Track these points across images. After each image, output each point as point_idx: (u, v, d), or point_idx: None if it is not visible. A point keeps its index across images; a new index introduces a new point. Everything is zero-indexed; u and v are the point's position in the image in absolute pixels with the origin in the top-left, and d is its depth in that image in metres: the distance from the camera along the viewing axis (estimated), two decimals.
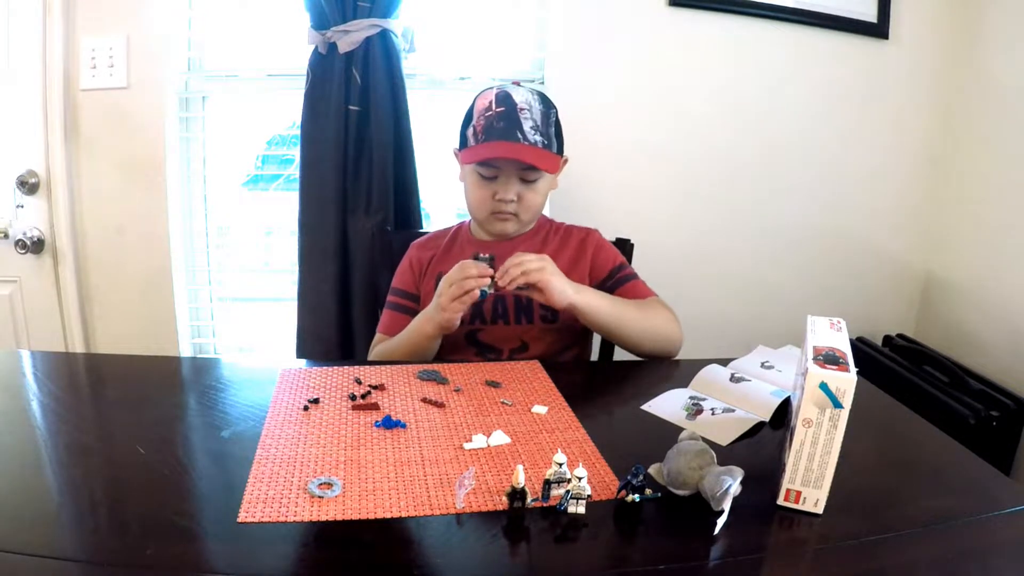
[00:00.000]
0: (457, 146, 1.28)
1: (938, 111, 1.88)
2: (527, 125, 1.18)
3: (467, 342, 1.24)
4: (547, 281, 1.06)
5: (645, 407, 0.96)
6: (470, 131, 1.21)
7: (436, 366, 1.06)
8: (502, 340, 1.24)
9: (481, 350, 1.24)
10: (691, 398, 0.99)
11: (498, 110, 1.18)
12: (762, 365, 1.07)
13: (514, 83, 1.25)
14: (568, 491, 0.69)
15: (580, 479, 0.69)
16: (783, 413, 0.94)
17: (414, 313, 1.25)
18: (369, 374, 1.03)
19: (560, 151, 1.25)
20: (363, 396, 0.95)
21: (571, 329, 1.25)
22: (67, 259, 1.73)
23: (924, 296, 1.98)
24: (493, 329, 1.24)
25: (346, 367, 1.06)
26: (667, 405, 0.97)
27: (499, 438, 0.84)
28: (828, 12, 1.76)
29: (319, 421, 0.88)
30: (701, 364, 1.07)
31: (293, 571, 0.63)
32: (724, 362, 1.10)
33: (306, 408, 0.91)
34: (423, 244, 1.35)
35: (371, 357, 1.26)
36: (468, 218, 1.36)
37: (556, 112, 1.25)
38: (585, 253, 1.29)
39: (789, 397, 0.95)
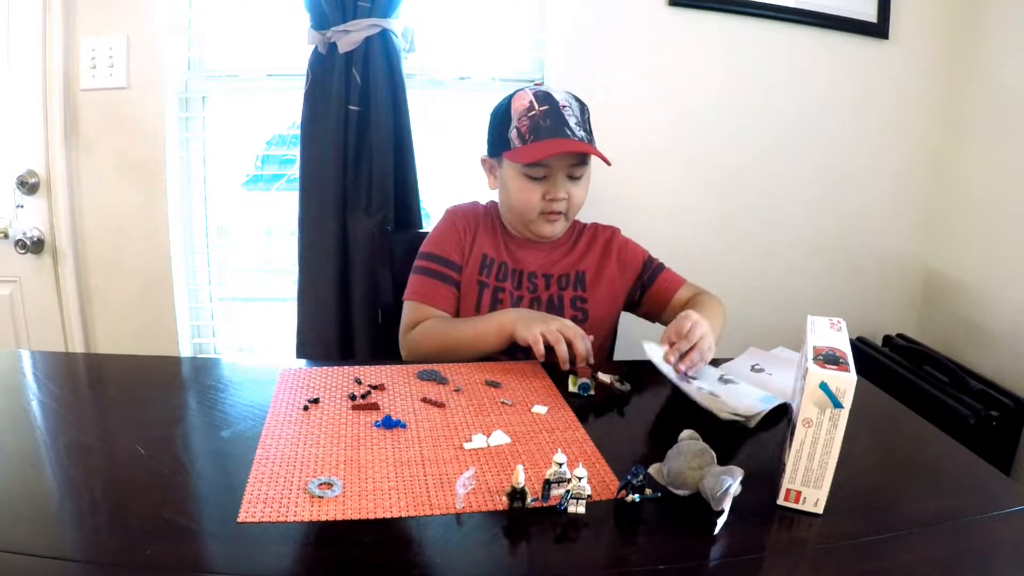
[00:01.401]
0: (487, 152, 1.27)
1: (938, 111, 1.88)
2: (572, 121, 1.18)
3: None
4: (709, 346, 1.03)
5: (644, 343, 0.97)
6: (513, 133, 1.19)
7: (436, 366, 1.06)
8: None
9: (512, 353, 1.20)
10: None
11: (542, 108, 1.17)
12: (752, 368, 1.07)
13: (536, 84, 1.25)
14: (568, 491, 0.69)
15: (580, 479, 0.69)
16: (774, 418, 0.93)
17: (454, 283, 1.26)
18: (369, 374, 1.03)
19: None
20: (363, 396, 0.95)
21: (599, 328, 1.25)
22: (67, 259, 1.73)
23: (924, 296, 1.98)
24: None
25: (346, 367, 1.06)
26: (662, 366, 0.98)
27: (499, 438, 0.84)
28: (828, 12, 1.76)
29: (319, 421, 0.88)
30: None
31: (293, 571, 0.63)
32: (717, 363, 1.10)
33: (306, 408, 0.91)
34: (466, 214, 1.32)
35: (414, 335, 1.21)
36: (486, 202, 1.36)
37: (587, 108, 1.26)
38: (611, 252, 1.32)
39: (782, 405, 0.95)
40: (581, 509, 0.69)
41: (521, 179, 1.21)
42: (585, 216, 1.74)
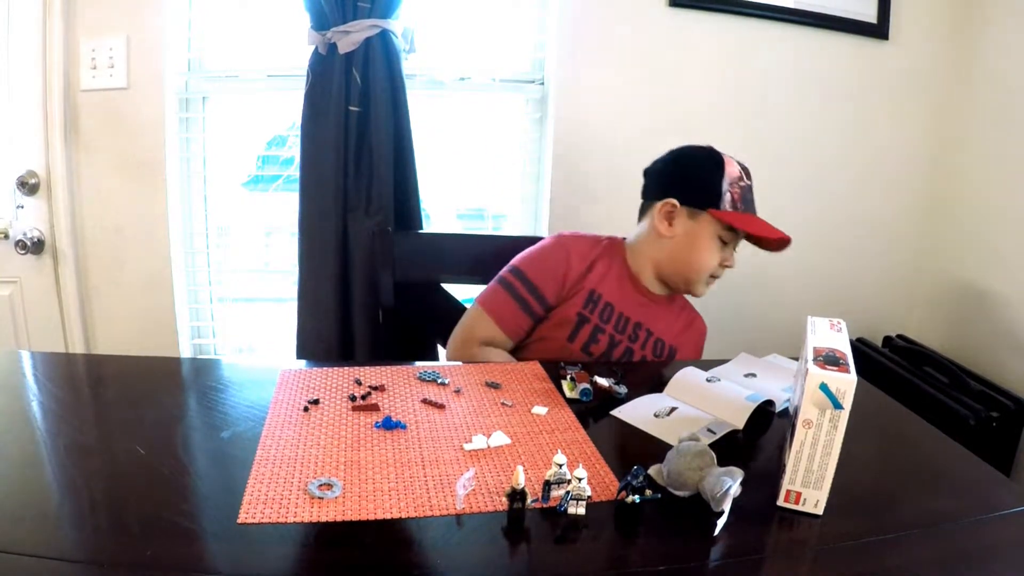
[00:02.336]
0: (679, 199, 1.22)
1: (938, 111, 1.88)
2: (757, 203, 1.25)
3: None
4: None
5: (615, 412, 0.95)
6: (727, 197, 1.20)
7: (436, 367, 1.06)
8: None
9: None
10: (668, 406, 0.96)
11: (747, 183, 1.23)
12: (744, 376, 1.06)
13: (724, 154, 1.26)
14: (568, 492, 0.69)
15: (580, 480, 0.69)
16: (760, 421, 0.93)
17: (532, 315, 1.23)
18: (369, 375, 1.03)
19: None
20: (363, 397, 0.95)
21: None
22: (67, 259, 1.73)
23: (924, 297, 1.98)
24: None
25: (346, 368, 1.05)
26: (638, 411, 0.95)
27: (499, 439, 0.84)
28: (828, 12, 1.77)
29: (319, 422, 0.88)
30: (697, 365, 1.07)
31: (293, 572, 0.63)
32: (713, 364, 1.10)
33: (306, 409, 0.91)
34: (583, 252, 1.27)
35: (480, 356, 1.20)
36: (616, 236, 1.33)
37: None
38: (693, 341, 1.34)
39: (765, 401, 0.94)
40: (581, 510, 0.69)
41: (713, 240, 1.22)
42: (585, 216, 1.74)
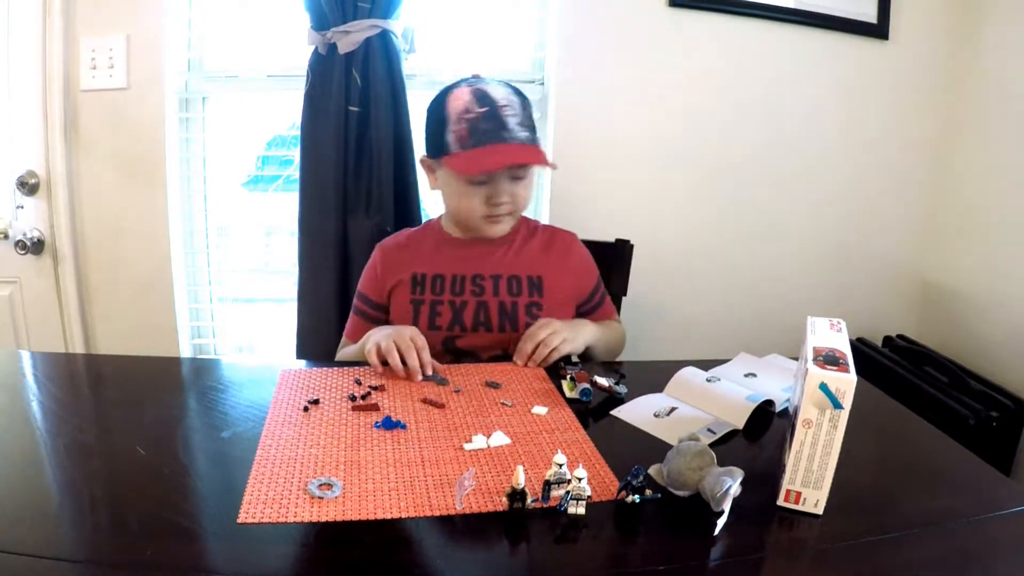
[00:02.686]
0: (426, 153, 1.23)
1: (938, 111, 1.88)
2: (513, 122, 1.14)
3: (444, 349, 1.19)
4: (571, 343, 1.09)
5: (615, 412, 0.95)
6: (451, 137, 1.14)
7: (437, 367, 1.06)
8: (483, 348, 1.20)
9: (458, 357, 1.19)
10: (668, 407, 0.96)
11: (481, 111, 1.12)
12: (744, 376, 1.06)
13: (474, 76, 1.21)
14: (568, 492, 0.69)
15: (580, 480, 0.69)
16: (760, 420, 0.93)
17: (376, 321, 1.26)
18: (369, 375, 1.03)
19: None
20: (363, 397, 0.95)
21: None
22: (67, 259, 1.73)
23: (924, 296, 1.98)
24: (474, 336, 1.20)
25: (346, 368, 1.06)
26: (638, 411, 0.95)
27: (499, 439, 0.84)
28: (828, 12, 1.76)
29: (319, 422, 0.88)
30: (697, 365, 1.07)
31: (293, 572, 0.63)
32: (713, 364, 1.10)
33: (306, 409, 0.91)
34: (392, 248, 1.30)
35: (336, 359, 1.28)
36: (435, 216, 1.35)
37: (529, 101, 1.22)
38: (570, 260, 1.29)
39: (765, 401, 0.94)
40: (581, 510, 0.69)
41: (461, 185, 1.17)
42: (584, 216, 1.74)
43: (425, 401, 0.95)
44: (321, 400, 0.94)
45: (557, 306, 1.23)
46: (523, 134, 1.15)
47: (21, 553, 0.61)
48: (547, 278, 1.23)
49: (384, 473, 0.77)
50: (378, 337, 1.06)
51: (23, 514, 0.68)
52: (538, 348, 1.08)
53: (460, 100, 1.15)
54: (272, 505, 0.70)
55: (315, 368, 1.06)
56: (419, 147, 1.66)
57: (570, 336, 1.10)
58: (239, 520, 0.67)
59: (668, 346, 1.88)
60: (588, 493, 0.69)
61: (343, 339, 1.32)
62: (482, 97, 1.14)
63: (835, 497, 0.71)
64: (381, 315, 1.28)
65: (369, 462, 0.79)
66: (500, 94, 1.16)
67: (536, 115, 1.83)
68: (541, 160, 1.16)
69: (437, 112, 1.19)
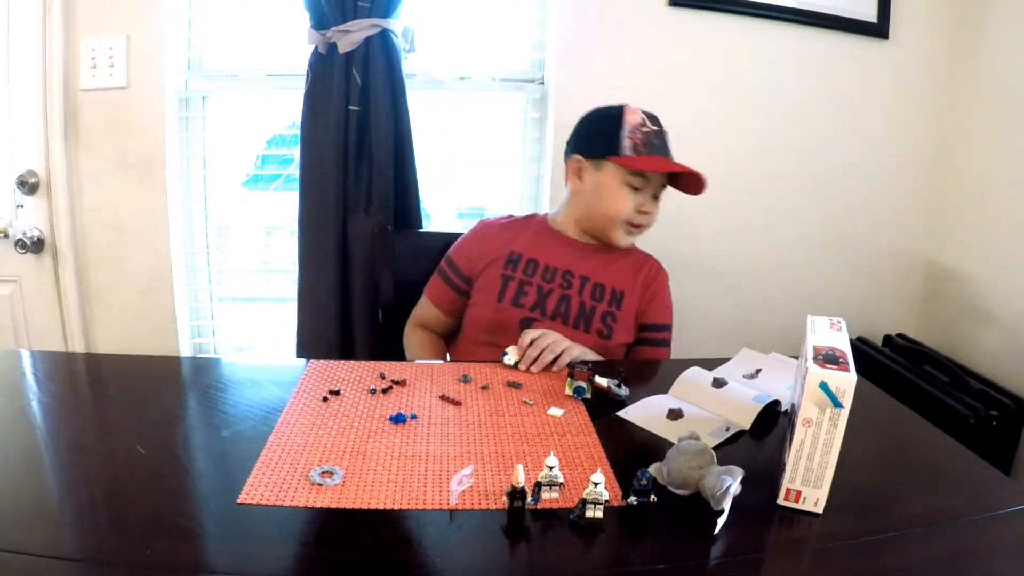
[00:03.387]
0: (581, 153, 1.30)
1: (938, 111, 1.88)
2: (671, 147, 1.28)
3: (520, 327, 1.22)
4: (571, 352, 1.10)
5: (622, 414, 0.95)
6: (626, 142, 1.24)
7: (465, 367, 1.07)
8: None
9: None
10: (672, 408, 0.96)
11: (653, 128, 1.26)
12: (744, 376, 1.06)
13: (623, 104, 1.30)
14: (584, 498, 0.68)
15: (597, 484, 0.68)
16: (766, 419, 0.93)
17: (456, 289, 1.36)
18: (394, 370, 1.04)
19: None
20: (384, 391, 0.97)
21: (615, 354, 1.27)
22: (67, 259, 1.73)
23: (924, 296, 1.98)
24: (550, 324, 1.23)
25: (372, 362, 1.07)
26: (647, 412, 0.95)
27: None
28: (828, 12, 1.76)
29: (336, 412, 0.90)
30: (701, 364, 1.07)
31: (293, 570, 0.63)
32: (715, 363, 1.09)
33: (325, 399, 0.93)
34: (494, 227, 1.38)
35: (406, 331, 1.40)
36: (542, 212, 1.45)
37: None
38: (651, 288, 1.32)
39: (773, 401, 0.95)
40: (599, 514, 0.68)
41: (621, 186, 1.26)
42: None
43: (443, 398, 0.96)
44: (342, 391, 0.96)
45: (627, 326, 1.28)
46: (676, 159, 1.28)
47: (21, 552, 0.61)
48: (628, 295, 1.29)
49: (387, 465, 0.78)
50: (525, 337, 1.10)
51: (23, 514, 0.68)
52: (543, 353, 1.07)
53: (637, 116, 1.27)
54: (272, 488, 0.71)
55: (343, 361, 1.07)
56: (419, 146, 1.67)
57: (569, 346, 1.11)
58: (239, 500, 0.69)
59: None
60: (606, 497, 0.68)
61: (422, 297, 1.40)
62: (653, 119, 1.28)
63: (835, 496, 0.71)
64: (464, 285, 1.35)
65: (375, 453, 0.80)
66: (662, 121, 1.30)
67: (535, 115, 1.84)
68: (702, 178, 1.25)
69: (609, 120, 1.28)
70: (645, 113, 1.28)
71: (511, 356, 1.07)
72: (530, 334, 1.09)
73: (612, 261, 1.32)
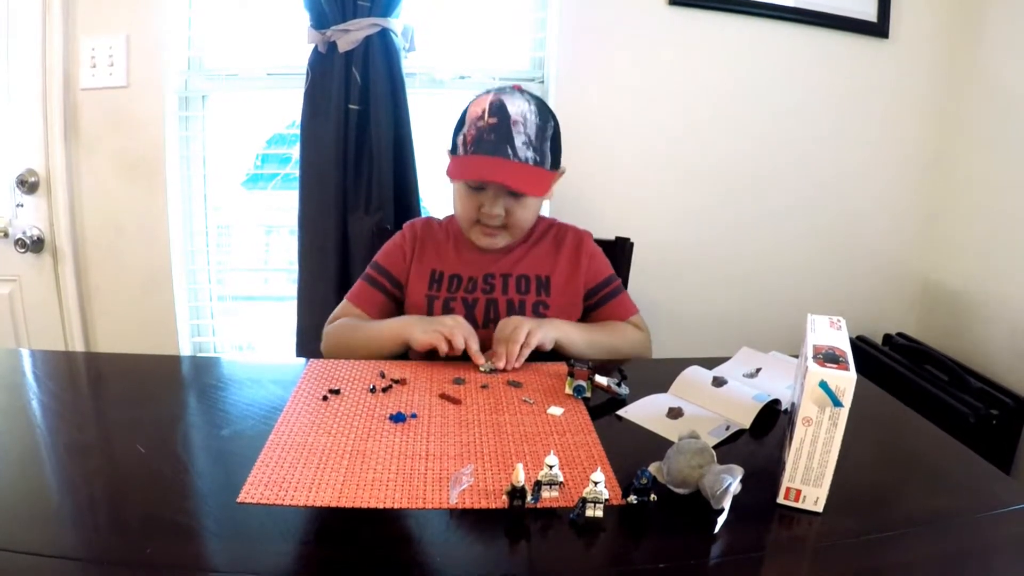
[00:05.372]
0: (449, 147, 1.25)
1: (938, 111, 1.87)
2: (519, 140, 1.14)
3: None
4: (537, 333, 1.08)
5: (623, 413, 0.94)
6: (460, 139, 1.18)
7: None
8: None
9: (466, 354, 1.19)
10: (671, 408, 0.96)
11: (490, 121, 1.13)
12: (744, 375, 1.06)
13: (514, 87, 1.21)
14: (584, 497, 0.69)
15: (597, 483, 0.68)
16: (766, 418, 0.93)
17: (389, 296, 1.28)
18: (394, 368, 1.04)
19: (555, 165, 1.23)
20: (384, 390, 0.97)
21: None
22: (67, 258, 1.73)
23: (924, 295, 1.98)
24: (484, 332, 1.19)
25: (372, 361, 1.07)
26: (647, 411, 0.95)
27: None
28: (828, 12, 1.76)
29: (335, 411, 0.90)
30: (701, 363, 1.06)
31: (293, 570, 0.63)
32: (715, 361, 1.09)
33: (325, 398, 0.93)
34: (422, 233, 1.31)
35: (328, 328, 1.25)
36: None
37: (554, 124, 1.22)
38: (580, 260, 1.28)
39: (773, 400, 0.95)
40: (599, 513, 0.68)
41: (460, 187, 1.19)
42: (585, 215, 1.74)
43: (443, 396, 0.96)
44: (342, 390, 0.96)
45: (565, 305, 1.24)
46: (526, 154, 1.15)
47: (21, 552, 0.61)
48: (555, 277, 1.25)
49: (386, 464, 0.78)
50: (430, 327, 1.07)
51: (23, 513, 0.68)
52: (509, 347, 1.06)
53: (479, 106, 1.16)
54: (272, 487, 0.72)
55: (343, 360, 1.07)
56: (419, 145, 1.67)
57: (534, 327, 1.08)
58: (239, 499, 0.69)
59: (668, 344, 1.88)
60: (606, 496, 0.68)
61: (344, 302, 1.29)
62: (498, 109, 1.14)
63: (835, 495, 0.71)
64: (395, 291, 1.29)
65: (375, 452, 0.80)
66: (517, 109, 1.15)
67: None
68: (522, 186, 1.14)
69: (463, 112, 1.21)
70: (495, 101, 1.14)
71: (486, 365, 1.06)
72: (497, 338, 1.08)
73: (528, 249, 1.27)
